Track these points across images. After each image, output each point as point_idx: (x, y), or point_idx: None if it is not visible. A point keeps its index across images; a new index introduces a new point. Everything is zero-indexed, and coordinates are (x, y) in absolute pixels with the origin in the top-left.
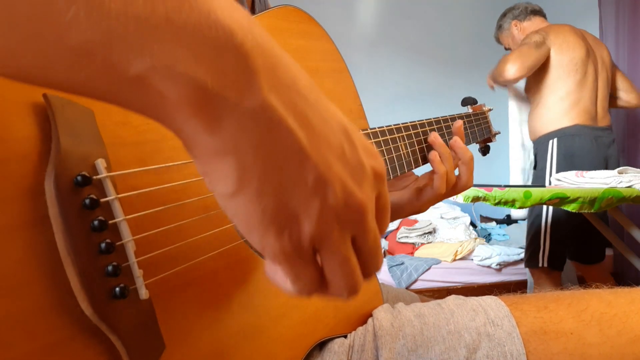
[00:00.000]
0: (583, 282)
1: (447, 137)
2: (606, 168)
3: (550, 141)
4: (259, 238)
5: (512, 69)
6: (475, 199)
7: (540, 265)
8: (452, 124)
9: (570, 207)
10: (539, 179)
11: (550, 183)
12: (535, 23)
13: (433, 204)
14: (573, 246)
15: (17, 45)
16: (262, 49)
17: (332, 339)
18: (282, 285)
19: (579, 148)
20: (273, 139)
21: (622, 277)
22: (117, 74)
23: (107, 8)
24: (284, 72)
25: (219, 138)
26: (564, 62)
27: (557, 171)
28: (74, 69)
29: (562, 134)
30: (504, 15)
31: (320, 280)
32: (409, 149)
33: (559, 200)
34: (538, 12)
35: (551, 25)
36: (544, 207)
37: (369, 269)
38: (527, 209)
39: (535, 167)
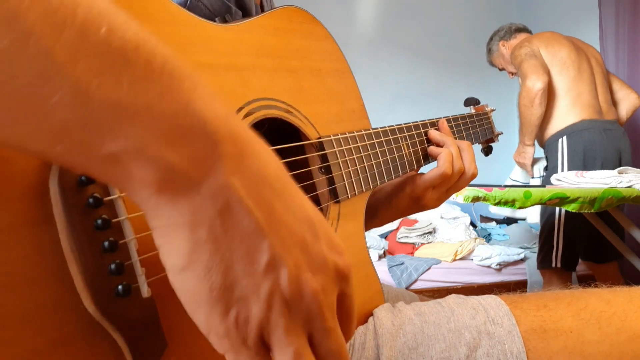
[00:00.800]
0: (593, 280)
1: None
2: (620, 161)
3: (560, 140)
4: (204, 317)
5: (533, 82)
6: (475, 199)
7: (553, 265)
8: (453, 125)
9: (570, 207)
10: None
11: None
12: (521, 40)
13: (443, 194)
14: (586, 245)
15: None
16: (234, 137)
17: None
18: None
19: (589, 142)
20: (230, 219)
21: (622, 277)
22: (90, 152)
23: (91, 95)
24: (252, 158)
25: (177, 212)
26: (554, 61)
27: (570, 169)
28: (51, 144)
29: (570, 131)
30: (490, 39)
31: None
32: (411, 149)
33: (559, 200)
34: (522, 30)
35: (532, 35)
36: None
37: None
38: (541, 211)
39: (546, 168)
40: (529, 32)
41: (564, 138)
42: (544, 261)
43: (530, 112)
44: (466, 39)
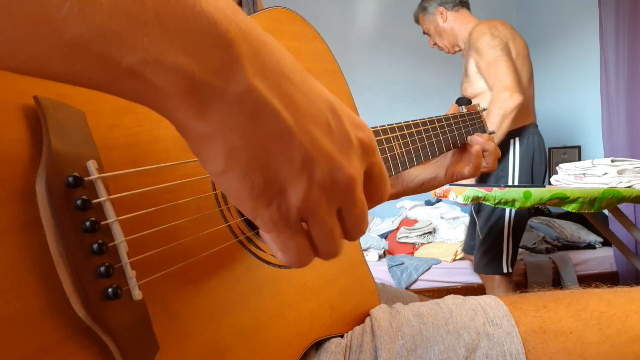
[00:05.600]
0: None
1: (440, 137)
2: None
3: (512, 140)
4: (249, 209)
5: (515, 99)
6: (475, 199)
7: (505, 271)
8: (445, 124)
9: (570, 207)
10: (500, 179)
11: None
12: (461, 15)
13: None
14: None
15: (15, 43)
16: (246, 36)
17: (328, 339)
18: (274, 253)
19: (537, 147)
20: (259, 121)
21: (622, 276)
22: (110, 66)
23: (99, 4)
24: (268, 56)
25: (207, 123)
26: (518, 59)
27: (519, 171)
28: (70, 62)
29: (522, 133)
30: None
31: (308, 251)
32: (404, 149)
33: (558, 200)
34: (465, 4)
35: (489, 20)
36: (507, 209)
37: (353, 236)
38: (485, 212)
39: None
40: (469, 9)
41: (517, 139)
42: (488, 266)
43: (505, 124)
44: None
